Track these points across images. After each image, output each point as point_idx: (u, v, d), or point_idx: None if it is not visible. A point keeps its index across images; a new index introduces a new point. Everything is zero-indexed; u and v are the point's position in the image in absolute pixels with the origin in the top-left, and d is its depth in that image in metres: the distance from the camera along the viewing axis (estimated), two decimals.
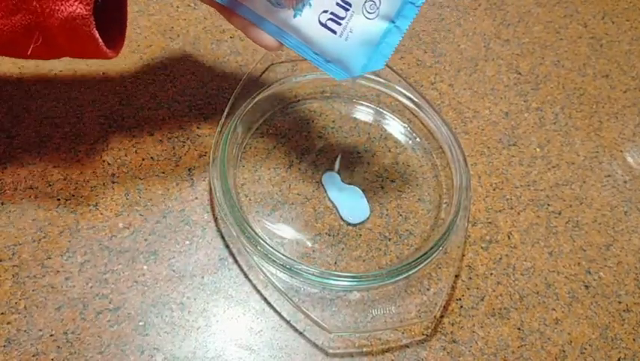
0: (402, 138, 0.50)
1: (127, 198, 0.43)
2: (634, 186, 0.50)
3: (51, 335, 0.37)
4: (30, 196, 0.42)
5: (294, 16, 0.35)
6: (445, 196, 0.46)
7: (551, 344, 0.40)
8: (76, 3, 0.32)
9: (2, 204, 0.41)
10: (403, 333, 0.39)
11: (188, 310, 0.39)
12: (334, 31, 0.35)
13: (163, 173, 0.45)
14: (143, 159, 0.45)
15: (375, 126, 0.50)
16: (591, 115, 0.55)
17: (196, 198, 0.44)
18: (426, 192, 0.47)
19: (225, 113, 0.44)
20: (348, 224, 0.44)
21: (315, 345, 0.38)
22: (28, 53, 0.34)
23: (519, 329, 0.41)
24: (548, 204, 0.48)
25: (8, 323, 0.37)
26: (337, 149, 0.48)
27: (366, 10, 0.35)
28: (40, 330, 0.37)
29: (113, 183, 0.44)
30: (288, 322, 0.39)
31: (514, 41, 0.60)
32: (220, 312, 0.39)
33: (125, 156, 0.45)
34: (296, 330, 0.39)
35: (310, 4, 0.35)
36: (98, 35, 0.34)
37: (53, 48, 0.35)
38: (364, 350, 0.39)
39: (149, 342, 0.37)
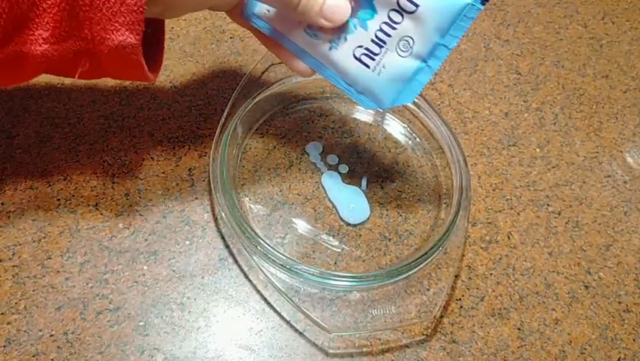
0: (402, 138, 0.50)
1: (127, 198, 0.43)
2: (634, 186, 0.50)
3: (51, 335, 0.37)
4: (30, 196, 0.42)
5: (330, 48, 0.37)
6: (445, 196, 0.46)
7: (551, 344, 0.40)
8: (127, 33, 0.32)
9: (2, 204, 0.41)
10: (403, 333, 0.39)
11: (189, 310, 0.39)
12: (368, 66, 0.37)
13: (163, 173, 0.45)
14: (143, 159, 0.45)
15: (375, 126, 0.50)
16: (591, 115, 0.55)
17: (196, 198, 0.44)
18: (426, 192, 0.47)
19: (225, 114, 0.44)
20: (348, 224, 0.44)
21: (315, 345, 0.38)
22: (76, 76, 0.35)
23: (519, 329, 0.41)
24: (548, 205, 0.48)
25: (8, 323, 0.37)
26: (337, 149, 0.48)
27: (400, 49, 0.36)
28: (40, 330, 0.37)
29: (113, 183, 0.44)
30: (288, 322, 0.39)
31: (514, 41, 0.60)
32: (220, 312, 0.39)
33: (125, 156, 0.45)
34: (296, 330, 0.39)
35: (346, 39, 0.36)
36: (144, 62, 0.35)
37: (98, 71, 0.36)
38: (364, 350, 0.39)
39: (149, 342, 0.37)
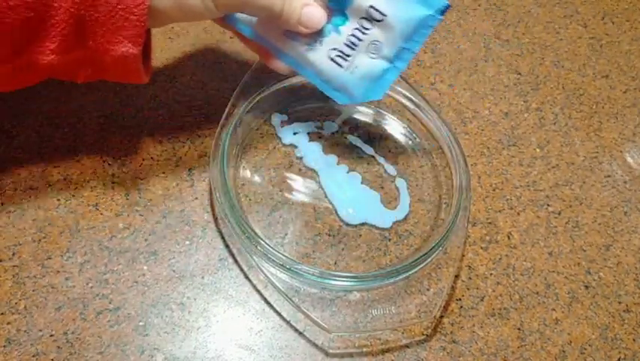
0: (402, 138, 0.50)
1: (127, 198, 0.43)
2: (634, 187, 0.50)
3: (51, 335, 0.37)
4: (30, 196, 0.42)
5: (307, 50, 0.40)
6: (445, 196, 0.46)
7: (551, 344, 0.40)
8: (129, 44, 0.35)
9: (2, 204, 0.41)
10: (402, 333, 0.39)
11: (189, 310, 0.39)
12: (341, 66, 0.41)
13: (163, 173, 0.45)
14: (143, 159, 0.45)
15: (375, 126, 0.50)
16: (591, 115, 0.55)
17: (196, 198, 0.44)
18: (426, 192, 0.47)
19: (225, 114, 0.44)
20: (348, 224, 0.44)
21: (315, 345, 0.38)
22: (79, 81, 0.38)
23: (519, 329, 0.41)
24: (548, 205, 0.48)
25: (8, 323, 0.37)
26: (337, 149, 0.48)
27: (370, 52, 0.40)
28: (40, 330, 0.37)
29: (113, 183, 0.44)
30: (288, 322, 0.39)
31: (514, 41, 0.60)
32: (220, 312, 0.39)
33: (125, 156, 0.45)
34: (296, 330, 0.39)
35: (321, 42, 0.40)
36: (142, 68, 0.37)
37: (99, 76, 0.39)
38: (364, 350, 0.39)
39: (149, 342, 0.37)
